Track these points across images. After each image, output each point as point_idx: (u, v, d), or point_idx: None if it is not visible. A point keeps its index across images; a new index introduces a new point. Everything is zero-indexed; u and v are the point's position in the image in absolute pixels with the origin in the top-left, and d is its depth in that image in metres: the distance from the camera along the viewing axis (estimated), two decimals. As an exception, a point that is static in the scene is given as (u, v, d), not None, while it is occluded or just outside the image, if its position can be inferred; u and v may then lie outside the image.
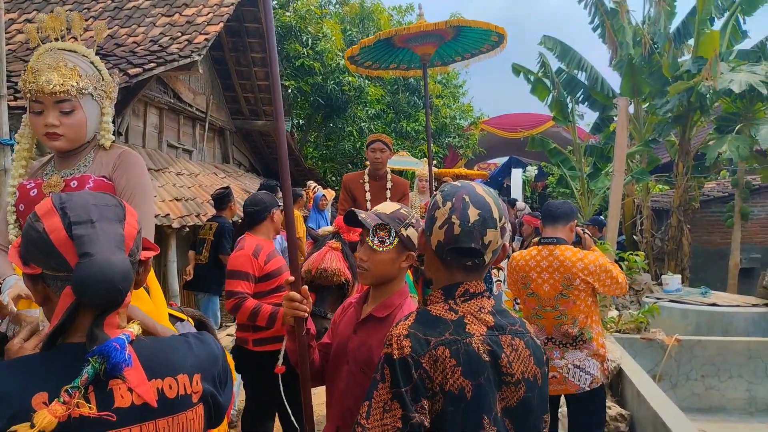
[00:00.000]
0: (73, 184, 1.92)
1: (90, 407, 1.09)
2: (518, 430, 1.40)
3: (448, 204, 1.44)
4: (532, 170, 16.50)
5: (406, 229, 2.01)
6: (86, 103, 1.94)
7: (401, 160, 11.95)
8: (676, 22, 10.74)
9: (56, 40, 2.01)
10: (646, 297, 7.77)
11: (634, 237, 11.17)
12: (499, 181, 16.30)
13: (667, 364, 5.95)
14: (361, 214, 1.97)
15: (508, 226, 1.49)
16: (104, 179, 1.95)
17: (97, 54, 2.09)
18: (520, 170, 15.40)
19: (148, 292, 2.07)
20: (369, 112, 13.18)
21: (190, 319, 2.55)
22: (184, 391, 1.22)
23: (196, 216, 6.18)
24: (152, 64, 5.24)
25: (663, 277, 7.98)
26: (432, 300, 1.49)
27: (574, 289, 3.24)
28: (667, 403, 3.97)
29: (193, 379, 1.24)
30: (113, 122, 7.10)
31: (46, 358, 1.14)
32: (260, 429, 3.57)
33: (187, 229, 6.01)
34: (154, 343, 1.27)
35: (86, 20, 7.07)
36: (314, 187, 7.77)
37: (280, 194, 7.82)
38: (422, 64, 5.02)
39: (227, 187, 5.71)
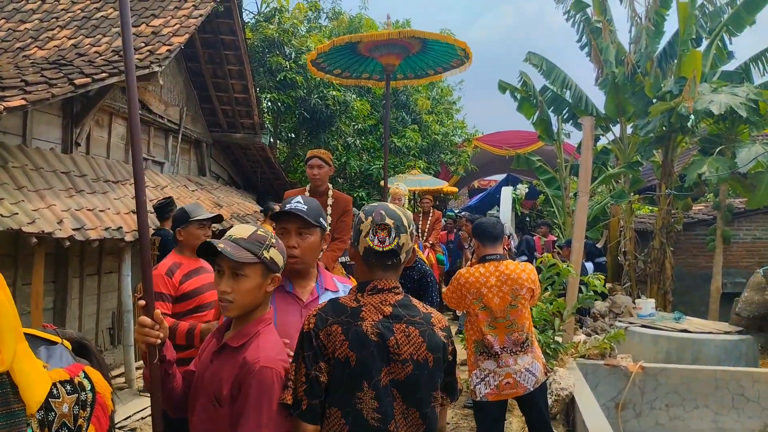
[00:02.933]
0: None
1: None
2: (406, 400, 1.77)
3: (370, 218, 1.85)
4: (523, 188, 16.26)
5: (268, 251, 1.89)
6: None
7: (419, 180, 11.70)
8: (664, 42, 10.65)
9: None
10: (619, 321, 7.58)
11: (618, 259, 10.98)
12: (496, 198, 15.97)
13: (631, 392, 5.76)
14: (219, 244, 1.83)
15: (414, 232, 1.96)
16: None
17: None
18: (510, 188, 15.12)
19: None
20: (356, 127, 13.08)
21: (65, 342, 2.42)
22: None
23: (154, 229, 6.04)
24: (104, 74, 5.15)
25: (637, 300, 7.80)
26: (349, 292, 1.89)
27: (521, 299, 3.54)
28: (607, 434, 3.81)
29: None
30: (71, 132, 6.77)
31: None
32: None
33: (143, 242, 5.87)
34: None
35: (53, 30, 7.06)
36: (292, 202, 7.63)
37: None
38: (385, 75, 5.08)
39: (169, 197, 5.58)
